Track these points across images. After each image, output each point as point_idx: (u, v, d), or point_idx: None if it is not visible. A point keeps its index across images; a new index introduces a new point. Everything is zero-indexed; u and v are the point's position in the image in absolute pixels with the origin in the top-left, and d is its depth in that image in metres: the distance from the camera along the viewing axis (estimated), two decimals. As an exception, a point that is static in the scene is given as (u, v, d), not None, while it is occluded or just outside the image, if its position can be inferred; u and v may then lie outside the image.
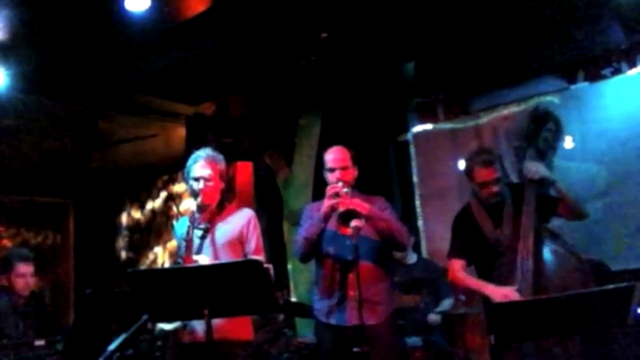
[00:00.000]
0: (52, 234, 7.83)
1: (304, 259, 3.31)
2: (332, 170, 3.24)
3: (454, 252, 3.34)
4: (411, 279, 4.53)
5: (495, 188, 3.21)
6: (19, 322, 4.02)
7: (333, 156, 3.28)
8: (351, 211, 2.97)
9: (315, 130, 5.90)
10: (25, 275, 4.09)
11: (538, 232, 3.08)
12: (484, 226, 3.25)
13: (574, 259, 3.00)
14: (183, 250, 2.92)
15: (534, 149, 3.23)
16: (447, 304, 4.66)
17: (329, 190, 3.12)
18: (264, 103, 5.98)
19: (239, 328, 2.99)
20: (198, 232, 3.03)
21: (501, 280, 3.08)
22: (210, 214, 3.12)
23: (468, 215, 3.33)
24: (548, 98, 5.05)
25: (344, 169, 3.24)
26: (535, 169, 3.14)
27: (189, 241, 2.90)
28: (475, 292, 3.29)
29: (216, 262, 2.91)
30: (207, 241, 3.04)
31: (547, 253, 3.04)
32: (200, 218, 3.09)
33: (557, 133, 3.29)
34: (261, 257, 3.04)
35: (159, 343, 3.83)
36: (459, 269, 3.29)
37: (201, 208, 3.09)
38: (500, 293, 2.99)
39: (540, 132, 3.24)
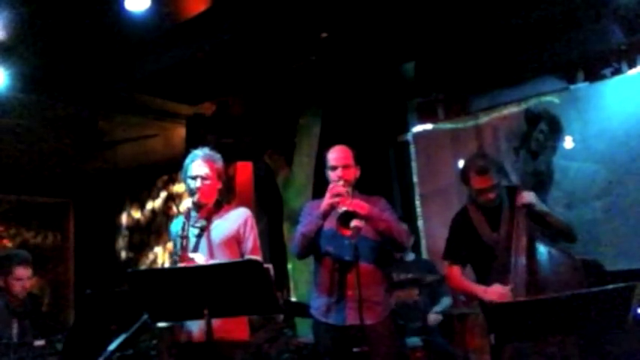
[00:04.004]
0: (52, 234, 7.83)
1: (301, 255, 3.31)
2: (334, 168, 3.24)
3: (451, 258, 3.35)
4: (409, 276, 4.51)
5: (491, 195, 3.18)
6: (15, 323, 4.00)
7: (335, 154, 3.28)
8: (350, 213, 2.97)
9: (315, 130, 5.90)
10: (22, 279, 4.07)
11: (532, 232, 3.08)
12: (481, 229, 3.24)
13: (568, 259, 3.00)
14: (179, 247, 2.91)
15: (526, 150, 3.23)
16: (446, 302, 4.65)
17: (331, 190, 3.12)
18: (264, 103, 5.98)
19: (236, 328, 2.98)
20: (194, 231, 3.02)
21: (498, 282, 3.08)
22: (207, 213, 3.11)
23: (465, 218, 3.33)
24: (548, 98, 5.05)
25: (346, 167, 3.23)
26: (528, 199, 3.11)
27: (184, 237, 2.89)
28: (471, 295, 3.31)
29: (216, 262, 2.90)
30: (204, 239, 3.04)
31: (541, 254, 3.04)
32: (197, 217, 3.09)
33: (552, 134, 3.28)
34: (258, 257, 3.03)
35: (154, 341, 3.82)
36: (457, 274, 3.31)
37: (197, 207, 3.09)
38: (491, 292, 3.01)
39: (532, 133, 3.24)
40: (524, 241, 3.03)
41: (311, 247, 3.22)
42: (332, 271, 3.18)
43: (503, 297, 2.95)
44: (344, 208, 2.99)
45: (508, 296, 2.95)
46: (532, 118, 3.27)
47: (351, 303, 3.06)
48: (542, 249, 3.05)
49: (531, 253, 3.03)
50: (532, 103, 5.04)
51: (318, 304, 3.24)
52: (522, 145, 3.24)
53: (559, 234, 3.20)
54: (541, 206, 3.14)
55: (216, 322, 2.58)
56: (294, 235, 3.30)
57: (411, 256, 4.93)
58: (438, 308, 4.60)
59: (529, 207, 3.10)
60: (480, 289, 3.12)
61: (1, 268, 4.06)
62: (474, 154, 3.72)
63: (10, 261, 4.09)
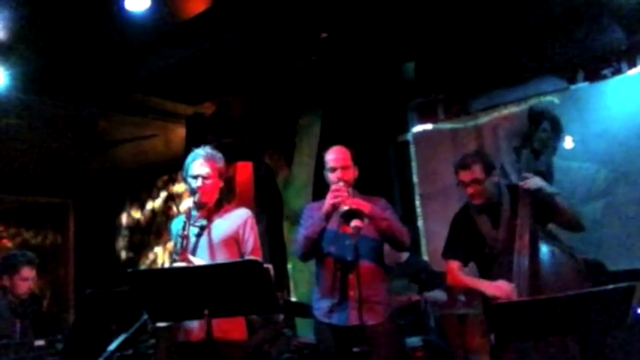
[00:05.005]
0: (52, 234, 7.84)
1: (304, 258, 3.31)
2: (333, 170, 3.24)
3: (450, 253, 3.35)
4: (405, 277, 4.48)
5: (471, 189, 3.23)
6: (17, 322, 4.02)
7: (334, 155, 3.28)
8: (354, 211, 2.97)
9: (315, 130, 5.90)
10: (28, 279, 4.11)
11: (534, 232, 3.09)
12: (482, 226, 3.26)
13: (570, 259, 3.00)
14: (178, 247, 2.91)
15: (529, 149, 3.23)
16: (437, 294, 4.51)
17: (332, 191, 3.12)
18: (264, 103, 5.98)
19: (233, 328, 2.98)
20: (194, 230, 3.02)
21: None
22: (208, 212, 3.11)
23: (466, 214, 3.35)
24: (548, 98, 5.04)
25: (345, 168, 3.24)
26: (532, 180, 3.14)
27: (184, 237, 2.89)
28: (474, 291, 3.30)
29: (216, 262, 2.90)
30: (204, 239, 3.03)
31: (543, 254, 3.04)
32: (197, 216, 3.08)
33: (554, 133, 3.29)
34: (258, 257, 3.03)
35: (152, 340, 3.82)
36: (456, 270, 3.30)
37: (198, 206, 3.09)
38: (495, 287, 3.00)
39: (536, 132, 3.24)
40: (527, 241, 3.04)
41: (314, 248, 3.22)
42: (334, 271, 3.18)
43: (508, 293, 2.95)
44: (346, 207, 2.99)
45: (512, 292, 2.94)
46: (535, 117, 3.28)
47: (353, 303, 3.06)
48: (544, 248, 3.05)
49: (534, 252, 3.03)
50: (532, 103, 5.04)
51: (320, 305, 3.24)
52: (525, 144, 3.25)
53: (565, 222, 3.20)
54: (550, 188, 3.15)
55: (214, 322, 2.58)
56: (297, 238, 3.30)
57: (404, 256, 4.81)
58: (429, 294, 4.46)
59: (538, 191, 3.10)
60: (483, 284, 3.12)
61: (7, 268, 4.09)
62: (468, 152, 3.75)
63: (16, 261, 4.12)
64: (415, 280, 4.39)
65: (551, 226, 3.28)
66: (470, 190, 3.24)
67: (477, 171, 3.21)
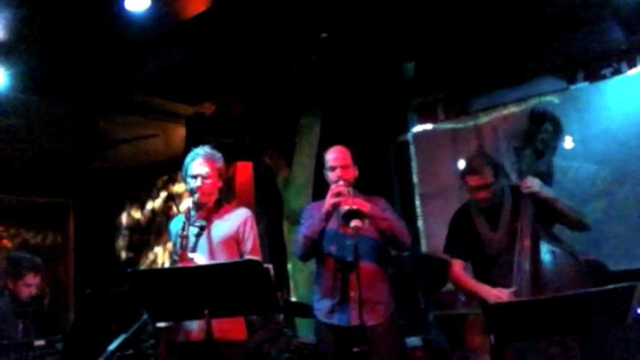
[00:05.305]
0: (52, 234, 7.83)
1: (305, 257, 3.31)
2: (333, 169, 3.24)
3: (453, 252, 3.34)
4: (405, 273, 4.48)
5: (483, 194, 3.19)
6: (20, 323, 4.03)
7: (333, 155, 3.28)
8: (355, 211, 2.97)
9: (315, 130, 5.90)
10: (31, 285, 4.13)
11: (536, 232, 3.08)
12: (480, 227, 3.25)
13: (572, 260, 2.99)
14: (178, 247, 2.91)
15: (531, 150, 3.23)
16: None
17: (332, 190, 3.12)
18: (264, 103, 5.98)
19: (233, 328, 2.98)
20: (194, 230, 3.01)
21: (500, 281, 3.08)
22: (207, 212, 3.11)
23: (465, 214, 3.34)
24: (548, 98, 5.05)
25: (345, 167, 3.24)
26: (531, 183, 3.12)
27: (184, 237, 2.88)
28: (473, 294, 3.29)
29: (216, 262, 2.90)
30: (203, 238, 3.03)
31: (545, 254, 3.03)
32: (196, 216, 3.08)
33: (555, 134, 3.28)
34: (257, 257, 3.03)
35: (152, 341, 3.82)
36: (459, 270, 3.29)
37: (197, 206, 3.09)
38: (493, 294, 2.99)
39: (538, 133, 3.23)
40: (529, 243, 3.02)
41: (314, 248, 3.22)
42: (334, 272, 3.17)
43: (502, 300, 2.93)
44: (347, 207, 2.99)
45: (507, 300, 2.94)
46: (538, 117, 3.26)
47: (354, 304, 3.05)
48: (546, 249, 3.03)
49: (535, 254, 3.02)
50: (532, 103, 5.04)
51: (320, 305, 3.23)
52: (527, 144, 3.24)
53: (568, 222, 3.19)
54: (547, 192, 3.14)
55: (213, 322, 2.58)
56: (297, 238, 3.30)
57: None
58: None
59: (533, 195, 3.10)
60: (483, 289, 3.09)
61: (11, 271, 4.09)
62: (473, 154, 3.74)
63: (21, 266, 4.13)
64: (416, 278, 4.41)
65: (553, 226, 3.27)
66: (481, 195, 3.19)
67: (488, 175, 3.16)
